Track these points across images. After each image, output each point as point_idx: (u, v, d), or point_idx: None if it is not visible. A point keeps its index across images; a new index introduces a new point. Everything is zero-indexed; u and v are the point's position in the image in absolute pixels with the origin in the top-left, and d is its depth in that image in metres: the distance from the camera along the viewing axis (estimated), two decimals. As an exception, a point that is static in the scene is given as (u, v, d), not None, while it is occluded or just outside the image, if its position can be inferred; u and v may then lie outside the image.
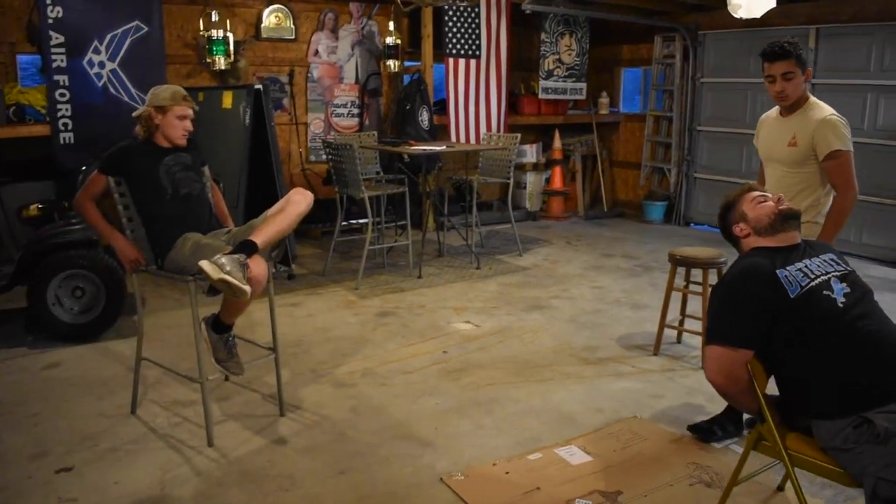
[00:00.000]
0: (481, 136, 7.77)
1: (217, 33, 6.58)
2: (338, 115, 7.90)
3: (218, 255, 2.84)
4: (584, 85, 8.75)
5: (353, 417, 3.52)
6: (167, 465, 3.06)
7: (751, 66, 7.77)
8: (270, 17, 7.34)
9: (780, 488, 2.91)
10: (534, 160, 8.95)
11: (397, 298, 5.46)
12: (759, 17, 4.40)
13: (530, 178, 8.92)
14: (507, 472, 2.98)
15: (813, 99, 3.23)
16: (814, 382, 2.26)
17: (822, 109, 3.18)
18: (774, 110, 3.38)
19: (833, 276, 2.34)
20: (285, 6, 7.38)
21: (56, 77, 5.63)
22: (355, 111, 8.00)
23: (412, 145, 6.28)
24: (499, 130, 7.84)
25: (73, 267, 4.44)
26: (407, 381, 3.95)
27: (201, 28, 6.71)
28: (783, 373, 2.36)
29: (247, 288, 2.79)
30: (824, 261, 2.40)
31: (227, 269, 2.76)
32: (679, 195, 8.62)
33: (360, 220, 7.20)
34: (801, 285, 2.27)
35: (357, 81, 7.94)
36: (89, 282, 4.52)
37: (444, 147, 6.31)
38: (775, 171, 3.32)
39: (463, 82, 7.63)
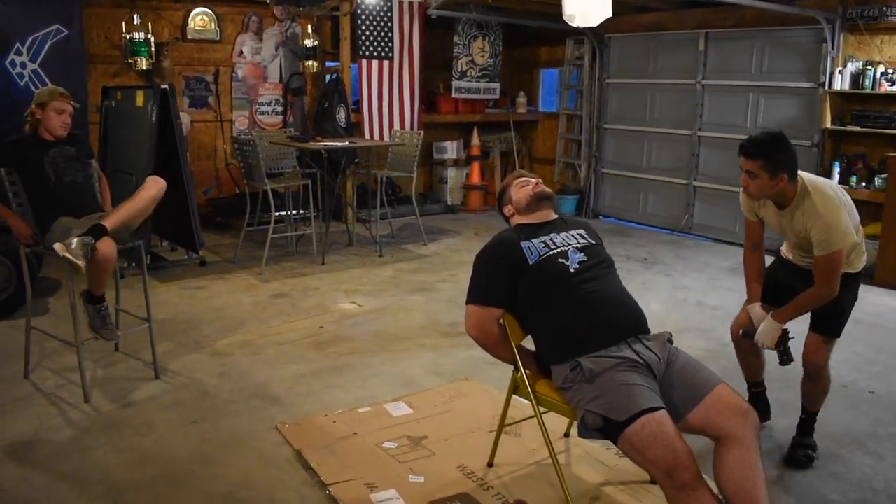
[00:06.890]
0: (393, 133, 8.26)
1: (139, 35, 7.02)
2: (262, 113, 8.37)
3: (70, 238, 3.33)
4: (497, 85, 9.27)
5: (219, 380, 4.02)
6: (45, 417, 3.54)
7: (649, 67, 8.36)
8: (195, 20, 7.79)
9: (566, 434, 3.44)
10: (454, 156, 9.48)
11: (296, 282, 5.95)
12: (595, 25, 4.83)
13: (451, 174, 9.45)
14: (334, 422, 3.49)
15: (804, 187, 2.98)
16: (548, 334, 2.79)
17: (814, 202, 2.94)
18: None
19: (573, 247, 2.85)
20: (210, 9, 7.83)
21: (-21, 76, 6.07)
22: (279, 109, 8.48)
23: (318, 141, 6.77)
24: (412, 128, 8.33)
25: (-14, 251, 4.88)
26: (278, 352, 4.45)
27: (123, 30, 7.14)
28: (531, 328, 2.88)
29: (80, 264, 3.31)
30: (571, 234, 2.92)
31: (72, 247, 3.27)
32: (588, 189, 9.19)
33: (281, 213, 7.67)
34: (540, 254, 2.79)
35: (281, 81, 8.41)
36: (2, 265, 4.96)
37: (347, 143, 6.80)
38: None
39: (376, 82, 8.12)
